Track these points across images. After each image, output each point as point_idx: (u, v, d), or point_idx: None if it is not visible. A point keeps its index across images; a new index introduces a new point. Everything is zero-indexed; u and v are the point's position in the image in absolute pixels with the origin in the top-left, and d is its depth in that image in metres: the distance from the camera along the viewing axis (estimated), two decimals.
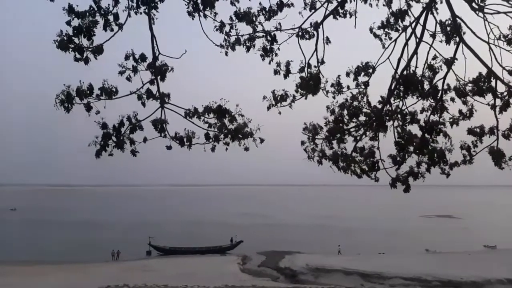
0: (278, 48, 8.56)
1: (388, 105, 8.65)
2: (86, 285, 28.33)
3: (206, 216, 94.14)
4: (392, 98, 8.50)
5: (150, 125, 6.37)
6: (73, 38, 5.83)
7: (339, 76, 8.82)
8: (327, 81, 8.91)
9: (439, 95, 8.65)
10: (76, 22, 5.86)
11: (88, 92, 6.07)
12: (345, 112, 8.49)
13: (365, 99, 8.57)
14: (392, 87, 8.40)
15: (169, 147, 6.59)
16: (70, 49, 5.83)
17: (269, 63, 8.52)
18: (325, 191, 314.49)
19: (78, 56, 5.91)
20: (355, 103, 8.57)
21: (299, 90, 8.70)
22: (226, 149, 6.74)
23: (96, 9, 6.00)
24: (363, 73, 8.92)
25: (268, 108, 8.47)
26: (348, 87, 8.82)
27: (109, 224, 78.52)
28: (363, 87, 8.81)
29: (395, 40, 8.97)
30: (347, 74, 8.88)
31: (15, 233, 64.92)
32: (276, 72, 8.48)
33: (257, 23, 7.90)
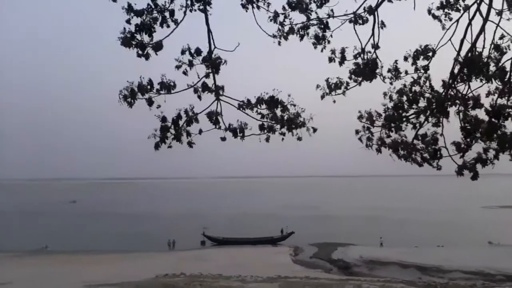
0: (331, 35, 8.38)
1: (450, 90, 8.18)
2: (145, 273, 29.57)
3: (257, 207, 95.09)
4: (455, 82, 8.04)
5: (205, 117, 6.52)
6: (135, 35, 6.05)
7: (396, 61, 8.48)
8: (382, 67, 8.60)
9: (507, 77, 8.03)
10: (135, 20, 6.09)
11: (149, 87, 6.31)
12: (404, 98, 8.16)
13: (427, 84, 8.12)
14: (455, 70, 7.93)
15: (223, 139, 6.72)
16: (133, 46, 6.06)
17: (322, 50, 8.37)
18: (377, 182, 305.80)
19: (140, 52, 6.14)
20: (417, 88, 8.17)
21: (353, 76, 8.47)
22: (282, 139, 6.76)
23: (153, 6, 6.19)
24: (422, 57, 8.49)
25: (322, 97, 8.34)
26: (406, 72, 8.46)
27: (164, 215, 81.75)
28: (422, 71, 8.40)
29: (457, 21, 8.43)
30: (405, 59, 8.50)
31: (75, 224, 69.23)
32: (331, 59, 8.31)
33: (310, 10, 7.76)
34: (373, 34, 8.07)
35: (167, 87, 6.39)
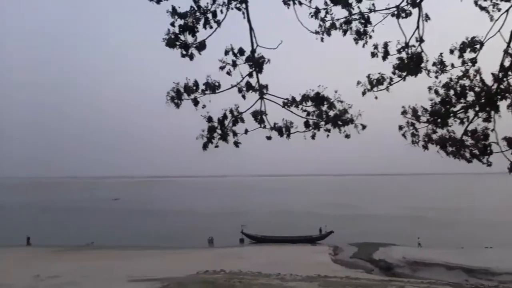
0: (373, 30, 8.23)
1: (500, 83, 7.83)
2: (186, 269, 30.25)
3: (295, 206, 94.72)
4: (506, 75, 7.67)
5: (250, 116, 6.61)
6: (179, 35, 6.23)
7: (441, 53, 8.20)
8: (427, 61, 8.35)
9: None
10: (179, 22, 6.27)
11: (194, 88, 6.49)
12: (452, 92, 7.89)
13: (477, 77, 7.79)
14: (505, 63, 7.57)
15: (269, 138, 6.78)
16: (177, 46, 6.24)
17: (363, 46, 8.24)
18: (420, 180, 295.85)
19: (184, 52, 6.31)
20: (466, 81, 7.86)
21: (397, 72, 8.29)
22: (328, 135, 6.71)
23: (196, 8, 6.35)
24: (469, 49, 8.16)
25: (363, 93, 8.21)
26: (453, 65, 8.17)
27: (204, 212, 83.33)
28: (469, 64, 8.07)
29: (507, 11, 8.03)
30: (451, 52, 8.19)
31: (118, 221, 71.77)
32: (373, 54, 8.16)
33: (353, 5, 7.66)
34: (417, 27, 7.83)
35: (212, 87, 6.54)
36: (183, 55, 6.27)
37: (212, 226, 59.31)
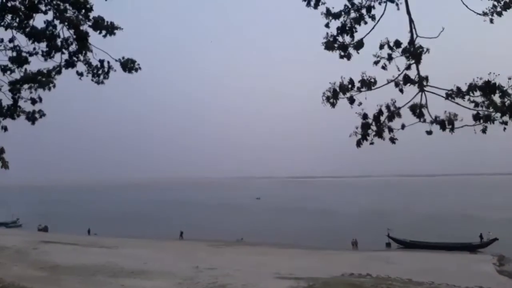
0: None
1: None
2: (331, 270, 30.20)
3: (444, 208, 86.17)
4: None
5: (408, 111, 6.29)
6: (337, 37, 6.31)
7: None
8: None
9: None
10: (333, 24, 6.35)
11: (349, 86, 6.48)
12: None
13: None
14: None
15: (429, 132, 6.33)
16: (335, 48, 6.32)
17: None
18: None
19: (342, 53, 6.36)
20: None
21: None
22: (504, 129, 5.92)
23: (350, 6, 6.33)
24: None
25: None
26: None
27: (347, 213, 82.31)
28: None
29: None
30: None
31: (261, 219, 75.89)
32: None
33: None
34: None
35: (368, 84, 6.43)
36: (341, 56, 6.32)
37: (356, 227, 58.04)
